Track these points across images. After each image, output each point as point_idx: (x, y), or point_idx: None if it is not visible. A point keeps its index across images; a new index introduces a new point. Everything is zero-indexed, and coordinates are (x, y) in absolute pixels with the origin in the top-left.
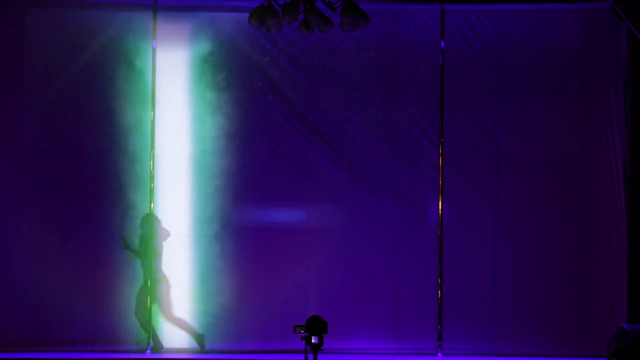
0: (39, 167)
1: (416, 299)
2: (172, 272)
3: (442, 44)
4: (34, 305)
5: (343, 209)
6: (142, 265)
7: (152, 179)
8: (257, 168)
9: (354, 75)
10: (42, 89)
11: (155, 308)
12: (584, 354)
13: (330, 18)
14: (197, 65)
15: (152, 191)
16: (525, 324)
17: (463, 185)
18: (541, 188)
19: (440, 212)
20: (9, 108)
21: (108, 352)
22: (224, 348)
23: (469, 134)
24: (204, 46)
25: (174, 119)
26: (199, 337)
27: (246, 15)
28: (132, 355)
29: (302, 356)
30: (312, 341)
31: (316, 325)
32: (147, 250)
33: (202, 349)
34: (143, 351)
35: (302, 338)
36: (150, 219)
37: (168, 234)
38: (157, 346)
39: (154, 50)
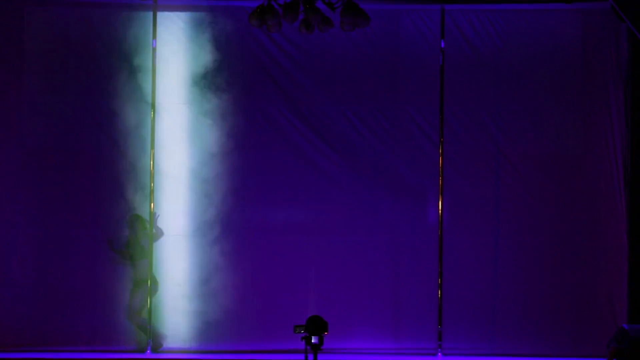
0: (39, 167)
1: (416, 299)
2: (171, 273)
3: (442, 44)
4: (33, 305)
5: (343, 209)
6: (132, 267)
7: (152, 179)
8: (256, 168)
9: (354, 75)
10: (42, 89)
11: (143, 307)
12: (584, 354)
13: (330, 18)
14: (197, 65)
15: (152, 191)
16: (525, 324)
17: (463, 185)
18: (541, 188)
19: (440, 212)
20: (9, 108)
21: (108, 352)
22: (224, 348)
23: (469, 133)
24: (204, 46)
25: (174, 119)
26: (157, 339)
27: (246, 15)
28: (132, 355)
29: (302, 356)
30: (312, 341)
31: (316, 325)
32: (136, 251)
33: (155, 349)
34: (143, 351)
35: (302, 338)
36: (139, 220)
37: (160, 235)
38: (156, 344)
39: (154, 50)
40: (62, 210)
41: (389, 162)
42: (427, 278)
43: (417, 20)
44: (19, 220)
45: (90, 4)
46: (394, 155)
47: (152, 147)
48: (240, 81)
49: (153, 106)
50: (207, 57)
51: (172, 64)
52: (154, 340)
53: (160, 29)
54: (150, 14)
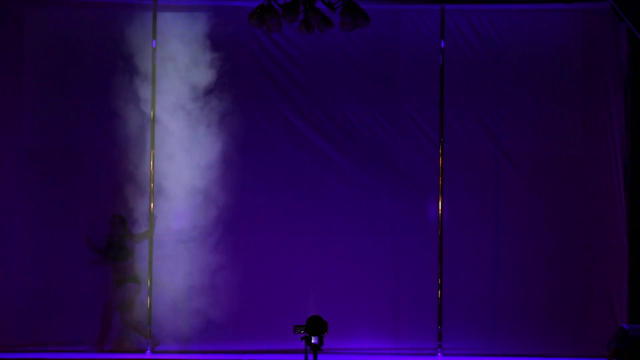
0: (38, 167)
1: (416, 299)
2: (171, 273)
3: (442, 44)
4: (33, 306)
5: (343, 209)
6: (113, 267)
7: (152, 179)
8: (256, 168)
9: (353, 75)
10: (42, 89)
11: (123, 306)
12: (584, 354)
13: (330, 18)
14: (197, 65)
15: (152, 192)
16: (525, 324)
17: (463, 185)
18: (541, 188)
19: (440, 212)
20: (9, 108)
21: (108, 352)
22: (224, 348)
23: (469, 133)
24: (204, 46)
25: (174, 119)
26: (150, 338)
27: (246, 15)
28: (132, 355)
29: (302, 356)
30: (312, 341)
31: (316, 325)
32: (119, 251)
33: (152, 349)
34: (143, 351)
35: (302, 338)
36: (121, 221)
37: (143, 238)
38: (153, 343)
39: (153, 50)
40: (61, 210)
41: (389, 162)
42: (427, 278)
43: (417, 20)
44: (19, 220)
45: (90, 4)
46: (393, 155)
47: (152, 147)
48: (240, 81)
49: (153, 106)
50: (207, 57)
51: (172, 63)
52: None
53: (160, 29)
54: (150, 14)
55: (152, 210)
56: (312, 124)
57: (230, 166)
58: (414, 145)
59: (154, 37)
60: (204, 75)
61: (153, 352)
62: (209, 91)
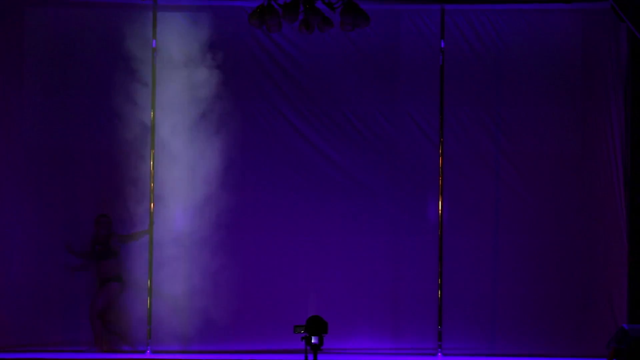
0: (38, 167)
1: (416, 299)
2: (171, 273)
3: (442, 44)
4: (33, 306)
5: (343, 209)
6: (97, 266)
7: (152, 179)
8: (256, 168)
9: (353, 75)
10: (42, 89)
11: (94, 304)
12: (584, 354)
13: (330, 18)
14: (197, 65)
15: (152, 191)
16: (525, 324)
17: (463, 185)
18: (541, 188)
19: (440, 212)
20: (9, 108)
21: (108, 352)
22: (224, 348)
23: (469, 134)
24: (204, 46)
25: (174, 119)
26: (127, 339)
27: (246, 15)
28: (132, 356)
29: (302, 356)
30: (312, 341)
31: (316, 325)
32: (104, 250)
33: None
34: (143, 351)
35: (302, 338)
36: (106, 219)
37: (133, 239)
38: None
39: (154, 50)
40: (61, 210)
41: (389, 162)
42: (427, 278)
43: (417, 20)
44: (19, 220)
45: (91, 4)
46: (393, 156)
47: (153, 147)
48: (240, 81)
49: (153, 106)
50: (207, 56)
51: (172, 63)
52: (118, 341)
53: (160, 29)
54: (150, 14)
55: (152, 210)
56: (312, 124)
57: (230, 166)
58: (414, 145)
59: (154, 37)
60: (204, 75)
61: (153, 352)
62: (209, 91)
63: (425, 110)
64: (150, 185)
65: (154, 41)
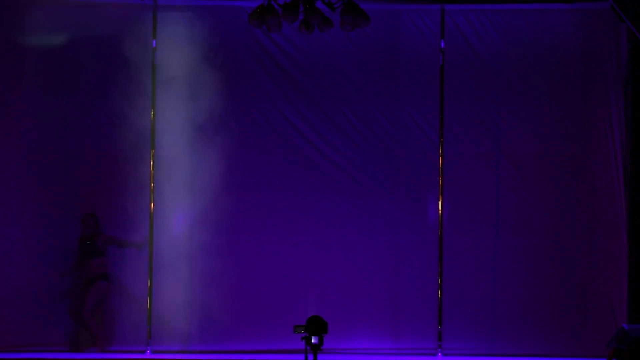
0: (38, 167)
1: (416, 299)
2: (171, 273)
3: (442, 44)
4: (33, 306)
5: (343, 209)
6: (84, 266)
7: (152, 179)
8: (256, 167)
9: (353, 75)
10: (42, 89)
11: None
12: (584, 354)
13: (330, 18)
14: (197, 65)
15: (152, 191)
16: (525, 324)
17: (463, 185)
18: (541, 188)
19: (440, 212)
20: (9, 108)
21: (108, 352)
22: (224, 348)
23: (469, 133)
24: (204, 46)
25: (174, 119)
26: (101, 341)
27: (246, 15)
28: (132, 356)
29: (302, 356)
30: (312, 341)
31: (316, 325)
32: (91, 250)
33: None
34: (143, 351)
35: (302, 338)
36: (93, 219)
37: (129, 245)
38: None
39: (154, 50)
40: (61, 210)
41: (389, 162)
42: (427, 278)
43: (417, 20)
44: (19, 220)
45: (91, 4)
46: (393, 156)
47: (152, 147)
48: (239, 80)
49: (153, 106)
50: (206, 56)
51: (172, 64)
52: (88, 341)
53: (160, 29)
54: (150, 14)
55: (152, 210)
56: (312, 124)
57: (229, 166)
58: (414, 145)
59: (154, 37)
60: (204, 75)
61: (153, 352)
62: (209, 91)
63: (425, 110)
64: (150, 185)
65: (154, 41)
